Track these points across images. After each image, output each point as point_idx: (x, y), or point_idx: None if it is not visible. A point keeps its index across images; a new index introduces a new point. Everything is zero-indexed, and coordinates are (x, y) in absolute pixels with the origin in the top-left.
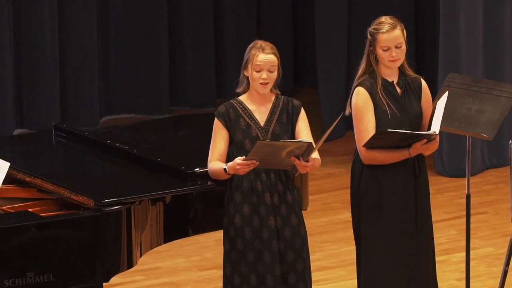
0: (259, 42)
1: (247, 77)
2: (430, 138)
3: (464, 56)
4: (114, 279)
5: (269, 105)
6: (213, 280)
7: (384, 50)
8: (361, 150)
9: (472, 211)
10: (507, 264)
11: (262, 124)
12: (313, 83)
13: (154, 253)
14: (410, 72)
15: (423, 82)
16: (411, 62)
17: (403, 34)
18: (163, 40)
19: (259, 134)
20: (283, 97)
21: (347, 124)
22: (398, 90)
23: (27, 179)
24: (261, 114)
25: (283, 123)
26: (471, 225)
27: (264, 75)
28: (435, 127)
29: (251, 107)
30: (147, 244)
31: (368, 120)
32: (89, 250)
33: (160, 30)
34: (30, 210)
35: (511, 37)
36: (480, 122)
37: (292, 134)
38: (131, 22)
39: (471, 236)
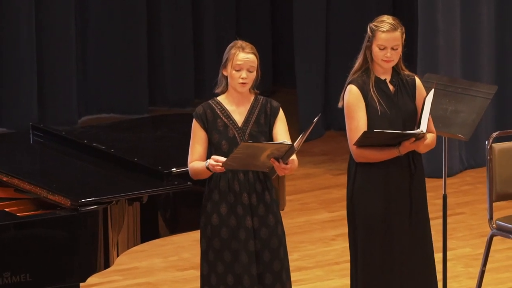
0: (239, 42)
1: (226, 77)
2: (418, 136)
3: (442, 56)
4: (91, 279)
5: (248, 106)
6: (190, 281)
7: (380, 49)
8: (352, 148)
9: (449, 211)
10: (484, 264)
11: (239, 124)
12: (291, 83)
13: (131, 253)
14: (405, 71)
15: (417, 80)
16: (406, 64)
17: (402, 37)
18: (142, 39)
19: (236, 135)
20: (262, 97)
21: (326, 124)
22: (391, 88)
23: (4, 179)
24: (239, 114)
25: (261, 124)
26: (449, 226)
27: (243, 74)
28: (423, 126)
29: (229, 107)
30: (124, 244)
31: (359, 118)
32: (65, 250)
33: (139, 29)
34: (7, 209)
35: (488, 37)
36: (457, 123)
37: (269, 135)
38: (109, 21)
39: (448, 236)
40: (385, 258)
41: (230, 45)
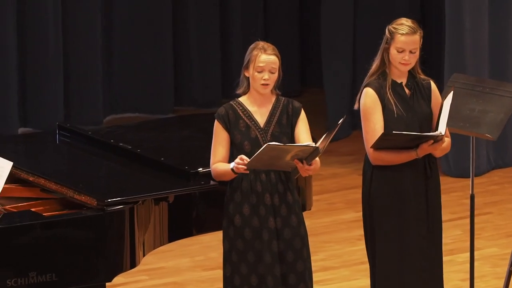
0: (261, 43)
1: (248, 78)
2: (436, 139)
3: (470, 56)
4: (117, 279)
5: (269, 107)
6: (217, 280)
7: (398, 52)
8: (369, 151)
9: (477, 211)
10: None
11: (261, 125)
12: (319, 83)
13: (158, 253)
14: (421, 75)
15: (433, 84)
16: (424, 68)
17: (420, 40)
18: (168, 39)
19: (258, 136)
20: (283, 98)
21: (353, 124)
22: (407, 91)
23: (30, 179)
24: (261, 115)
25: (282, 124)
26: (476, 226)
27: (265, 75)
28: (441, 128)
29: (251, 108)
30: (150, 244)
31: (376, 121)
32: (91, 250)
33: (165, 29)
34: (33, 209)
35: None
36: (484, 122)
37: (291, 136)
38: (135, 21)
39: (476, 236)
40: (403, 262)
41: (252, 46)
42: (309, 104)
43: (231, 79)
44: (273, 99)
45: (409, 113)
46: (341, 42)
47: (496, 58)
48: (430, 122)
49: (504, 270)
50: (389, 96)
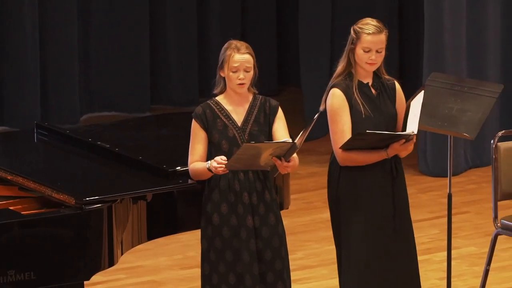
0: (234, 42)
1: (223, 78)
2: (408, 138)
3: (448, 55)
4: (96, 278)
5: (247, 105)
6: (195, 279)
7: (365, 51)
8: (338, 152)
9: (454, 210)
10: (489, 263)
11: (239, 124)
12: (297, 82)
13: (136, 252)
14: (385, 75)
15: (397, 85)
16: (386, 68)
17: (386, 40)
18: (145, 38)
19: (236, 135)
20: (260, 96)
21: None
22: (373, 91)
23: (9, 177)
24: (238, 114)
25: (260, 123)
26: (454, 225)
27: (240, 75)
28: (413, 127)
29: (228, 107)
30: (129, 243)
31: (344, 122)
32: (70, 248)
33: (143, 28)
34: (11, 208)
35: (494, 36)
36: (462, 122)
37: (269, 134)
38: (112, 19)
39: (453, 235)
40: (371, 262)
41: (225, 46)
42: (287, 103)
43: (208, 78)
44: (250, 97)
45: (376, 113)
46: (318, 41)
47: (475, 58)
48: (395, 123)
49: (481, 269)
50: (356, 96)
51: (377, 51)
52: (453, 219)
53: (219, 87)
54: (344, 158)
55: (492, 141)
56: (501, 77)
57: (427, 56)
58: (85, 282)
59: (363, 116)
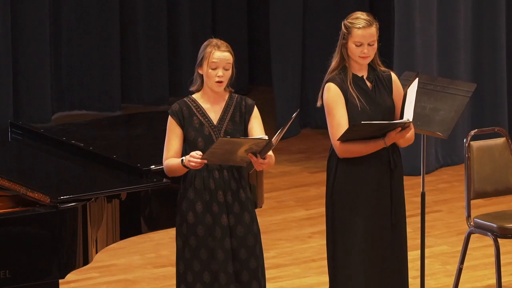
0: (214, 40)
1: (201, 76)
2: (404, 126)
3: (419, 55)
4: (69, 276)
5: (223, 104)
6: (168, 277)
7: (356, 46)
8: (336, 144)
9: (426, 209)
10: (462, 262)
11: (215, 122)
12: (267, 81)
13: (110, 250)
14: (381, 67)
15: (393, 75)
16: (384, 59)
17: (377, 32)
18: (116, 37)
19: (211, 133)
20: (236, 95)
21: (302, 122)
22: (369, 84)
23: None
24: (214, 112)
25: (236, 121)
26: (426, 223)
27: (219, 72)
28: (408, 115)
29: (205, 105)
30: (103, 241)
31: (341, 115)
32: (45, 247)
33: (113, 27)
34: None
35: (465, 36)
36: (435, 121)
37: (245, 133)
38: (83, 18)
39: (426, 234)
40: (366, 256)
41: (205, 43)
42: (258, 103)
43: (179, 77)
44: (226, 96)
45: (371, 106)
46: (290, 40)
47: (444, 58)
48: (392, 115)
49: (454, 267)
50: (351, 90)
51: (369, 44)
52: (426, 217)
53: (196, 84)
54: (342, 150)
55: (465, 140)
56: (471, 77)
57: (397, 56)
58: (59, 281)
59: (359, 109)
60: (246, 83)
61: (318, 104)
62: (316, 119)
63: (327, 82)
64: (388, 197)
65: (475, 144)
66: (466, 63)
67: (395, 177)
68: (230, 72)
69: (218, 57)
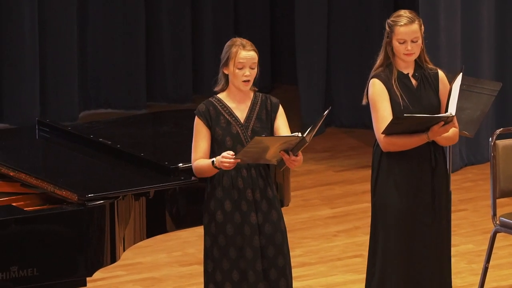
0: (239, 40)
1: (226, 75)
2: (447, 120)
3: (443, 54)
4: (95, 274)
5: (248, 103)
6: (195, 276)
7: (400, 43)
8: (380, 138)
9: (452, 208)
10: (488, 261)
11: (242, 121)
12: (291, 79)
13: (136, 248)
14: (429, 64)
15: (441, 73)
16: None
17: (421, 29)
18: (141, 36)
19: (239, 131)
20: (261, 94)
21: (327, 121)
22: (414, 82)
23: (11, 174)
24: (240, 111)
25: (262, 120)
26: (452, 222)
27: (246, 72)
28: (452, 109)
29: (231, 104)
30: (130, 239)
31: (384, 108)
32: (72, 245)
33: (138, 26)
34: (14, 204)
35: (488, 35)
36: (461, 120)
37: (271, 131)
38: (109, 17)
39: (452, 233)
40: (404, 249)
41: (229, 43)
42: (281, 101)
43: (202, 76)
44: (251, 95)
45: (415, 104)
46: (314, 38)
47: (469, 57)
48: (438, 113)
49: (480, 266)
50: (395, 88)
51: (412, 41)
52: (451, 216)
53: (221, 84)
54: (386, 143)
55: (490, 139)
56: (495, 76)
57: None
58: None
59: (402, 107)
60: (268, 81)
61: (364, 101)
62: (341, 117)
63: (372, 78)
64: (429, 194)
65: (501, 143)
66: (490, 62)
67: (437, 174)
68: (255, 70)
69: (245, 57)
